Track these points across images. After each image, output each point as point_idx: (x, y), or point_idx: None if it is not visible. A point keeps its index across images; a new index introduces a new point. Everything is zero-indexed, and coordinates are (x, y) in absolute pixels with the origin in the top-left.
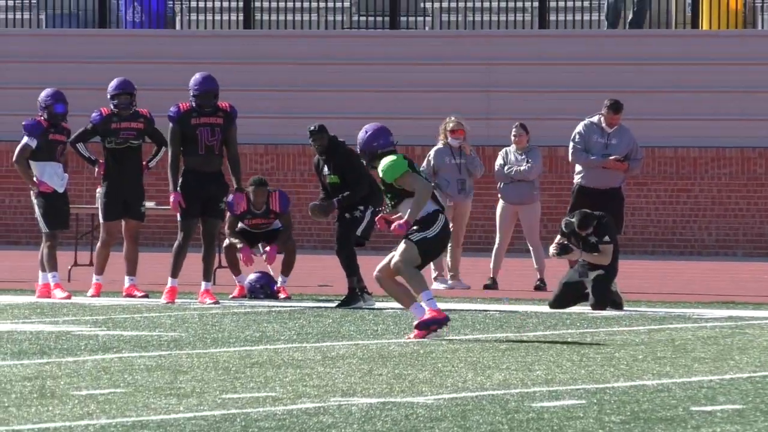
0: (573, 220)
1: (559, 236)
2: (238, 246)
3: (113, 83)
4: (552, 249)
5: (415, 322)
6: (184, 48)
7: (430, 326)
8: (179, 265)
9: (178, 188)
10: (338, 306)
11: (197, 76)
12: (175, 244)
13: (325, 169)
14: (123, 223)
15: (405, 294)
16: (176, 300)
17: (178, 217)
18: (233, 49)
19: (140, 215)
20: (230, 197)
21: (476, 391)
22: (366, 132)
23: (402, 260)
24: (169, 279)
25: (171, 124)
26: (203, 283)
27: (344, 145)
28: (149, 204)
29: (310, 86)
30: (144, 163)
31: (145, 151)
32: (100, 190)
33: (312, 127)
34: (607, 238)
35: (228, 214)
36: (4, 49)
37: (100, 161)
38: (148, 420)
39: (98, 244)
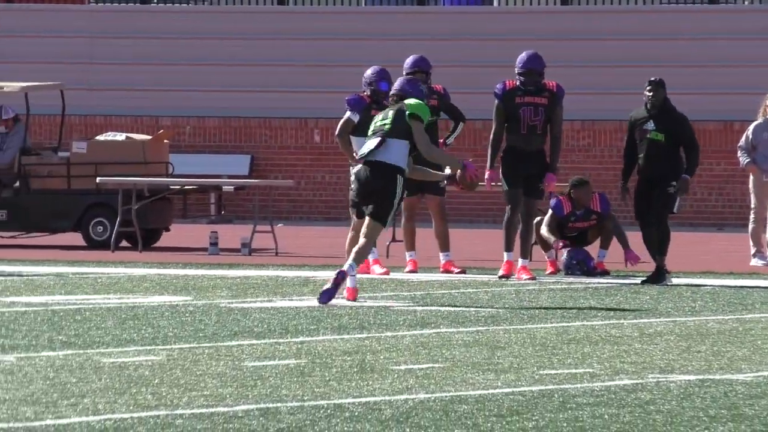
0: None
1: None
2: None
3: (409, 61)
4: None
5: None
6: (502, 25)
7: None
8: (512, 239)
9: (496, 166)
10: (643, 282)
11: (523, 54)
12: (505, 219)
13: (650, 123)
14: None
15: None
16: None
17: (504, 186)
18: (552, 26)
19: (439, 190)
20: (553, 201)
21: None
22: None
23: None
24: (504, 254)
25: (496, 101)
26: (520, 260)
27: (677, 111)
28: None
29: (627, 62)
30: (441, 140)
31: (442, 127)
32: None
33: (653, 78)
34: None
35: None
36: (326, 26)
37: None
38: (466, 395)
39: (402, 220)
